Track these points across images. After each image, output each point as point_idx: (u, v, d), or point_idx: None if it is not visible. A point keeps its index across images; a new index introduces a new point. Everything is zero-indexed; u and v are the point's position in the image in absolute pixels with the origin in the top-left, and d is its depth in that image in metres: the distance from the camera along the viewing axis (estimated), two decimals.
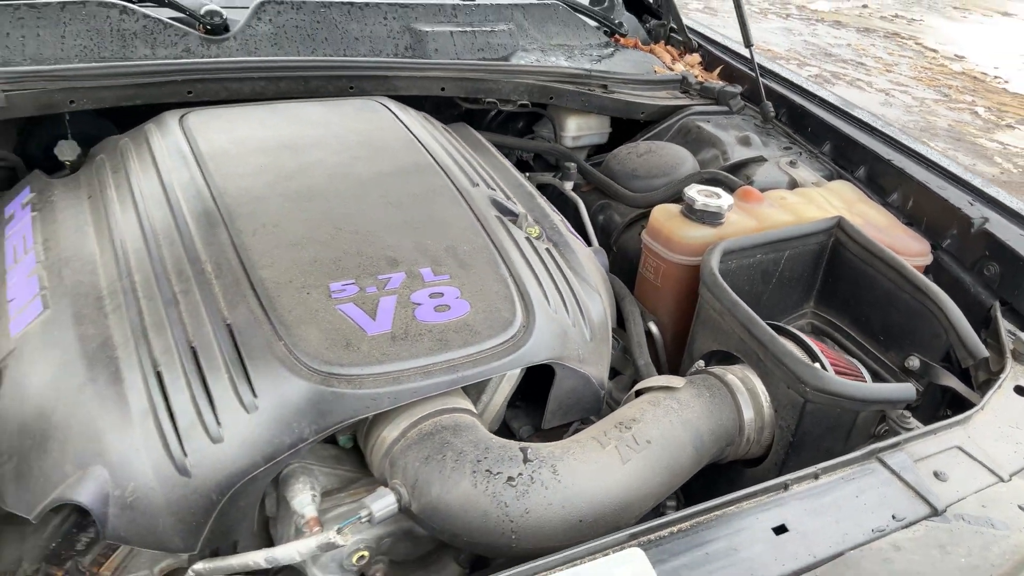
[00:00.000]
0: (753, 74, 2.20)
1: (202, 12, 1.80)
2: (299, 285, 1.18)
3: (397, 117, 1.69)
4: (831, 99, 2.15)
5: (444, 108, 2.09)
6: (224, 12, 1.82)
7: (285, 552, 1.06)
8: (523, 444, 1.10)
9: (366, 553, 1.13)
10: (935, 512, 1.11)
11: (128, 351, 1.13)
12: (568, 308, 1.33)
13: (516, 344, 1.19)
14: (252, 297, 1.15)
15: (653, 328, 1.65)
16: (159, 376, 1.09)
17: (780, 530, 1.06)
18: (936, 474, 1.18)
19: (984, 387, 1.42)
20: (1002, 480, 1.17)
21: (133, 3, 1.77)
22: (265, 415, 1.05)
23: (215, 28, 1.80)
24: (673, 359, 1.69)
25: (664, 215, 1.66)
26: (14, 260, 1.36)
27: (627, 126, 2.23)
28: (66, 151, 1.53)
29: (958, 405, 1.47)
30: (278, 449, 1.05)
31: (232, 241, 1.24)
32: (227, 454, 1.04)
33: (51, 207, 1.43)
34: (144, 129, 1.55)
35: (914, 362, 1.55)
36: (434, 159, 1.55)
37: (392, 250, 1.28)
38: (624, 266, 1.81)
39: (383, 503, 1.04)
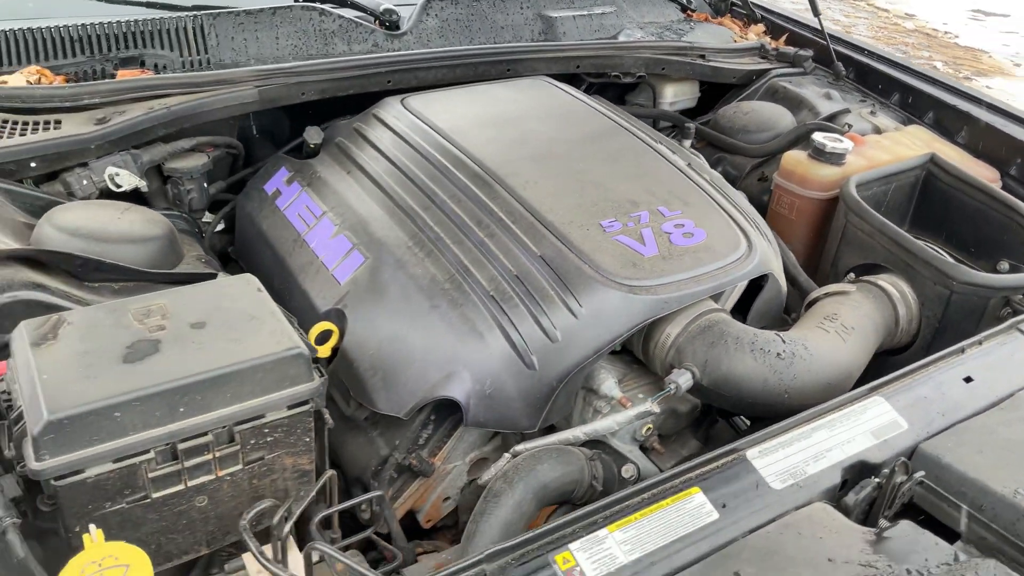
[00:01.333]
0: (820, 40, 2.55)
1: (380, 10, 2.08)
2: (579, 224, 1.50)
3: (566, 92, 2.00)
4: (890, 56, 2.51)
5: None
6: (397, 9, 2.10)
7: (604, 424, 1.38)
8: (774, 331, 1.44)
9: (651, 426, 1.46)
10: None
11: (457, 284, 1.43)
12: (760, 233, 1.67)
13: (747, 260, 1.52)
14: (550, 235, 1.46)
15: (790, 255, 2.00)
16: (494, 299, 1.40)
17: (968, 380, 1.42)
18: None
19: None
20: None
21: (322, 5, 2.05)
22: (589, 319, 1.37)
23: (392, 24, 2.08)
24: None
25: (794, 160, 2.00)
26: (306, 226, 1.64)
27: (710, 92, 2.56)
28: (313, 135, 1.80)
29: None
30: (602, 344, 1.37)
31: (512, 195, 1.54)
32: (562, 350, 1.36)
33: (320, 182, 1.71)
34: (373, 113, 1.83)
35: (1004, 266, 1.92)
36: (616, 123, 1.87)
37: (630, 194, 1.60)
38: None
39: (684, 379, 1.36)
